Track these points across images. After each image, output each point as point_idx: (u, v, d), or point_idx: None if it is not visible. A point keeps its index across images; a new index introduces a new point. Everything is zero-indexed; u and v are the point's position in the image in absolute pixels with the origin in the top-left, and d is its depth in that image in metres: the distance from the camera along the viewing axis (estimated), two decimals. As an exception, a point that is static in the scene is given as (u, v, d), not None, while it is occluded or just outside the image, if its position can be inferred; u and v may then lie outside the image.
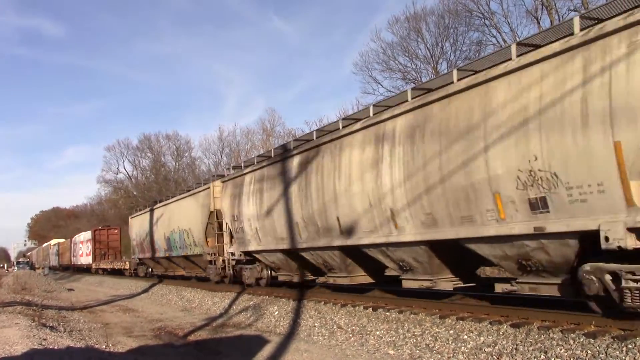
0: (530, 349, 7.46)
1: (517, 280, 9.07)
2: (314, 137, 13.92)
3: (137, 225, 32.81)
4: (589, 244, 7.51)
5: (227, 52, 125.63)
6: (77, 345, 9.41)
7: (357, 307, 12.03)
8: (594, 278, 7.62)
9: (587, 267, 7.71)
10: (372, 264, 12.87)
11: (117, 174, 73.59)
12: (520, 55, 8.36)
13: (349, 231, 12.24)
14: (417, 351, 8.60)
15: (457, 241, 9.62)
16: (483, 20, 34.23)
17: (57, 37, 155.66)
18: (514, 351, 7.54)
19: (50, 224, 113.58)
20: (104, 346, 10.26)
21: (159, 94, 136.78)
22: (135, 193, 70.54)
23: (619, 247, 7.03)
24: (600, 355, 6.73)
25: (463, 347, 8.21)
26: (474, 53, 35.18)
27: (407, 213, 10.43)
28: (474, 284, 11.02)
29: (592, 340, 7.15)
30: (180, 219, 24.23)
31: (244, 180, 17.47)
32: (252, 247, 17.22)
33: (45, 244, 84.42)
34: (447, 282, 10.82)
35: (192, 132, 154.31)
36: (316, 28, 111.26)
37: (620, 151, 6.85)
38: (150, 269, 32.82)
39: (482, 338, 8.31)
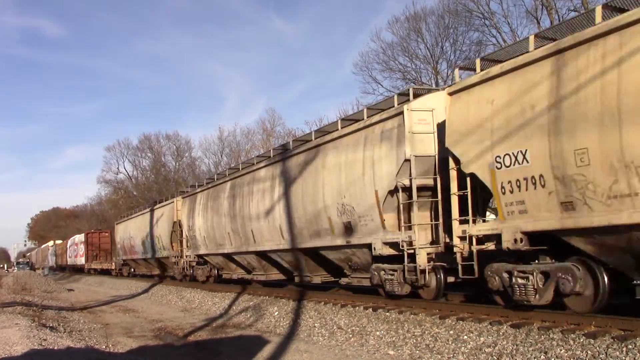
0: (531, 349, 7.46)
1: (351, 276, 13.36)
2: (240, 168, 18.91)
3: (122, 230, 36.80)
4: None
5: (227, 51, 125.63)
6: (77, 345, 9.41)
7: (357, 308, 12.03)
8: (376, 273, 11.91)
9: (374, 266, 12.01)
10: (278, 265, 17.11)
11: (117, 174, 73.49)
12: (344, 127, 12.89)
13: (258, 241, 16.74)
14: (417, 351, 8.59)
15: (314, 249, 13.93)
16: (483, 20, 34.26)
17: (57, 37, 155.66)
18: (514, 352, 7.53)
19: (50, 224, 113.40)
20: (104, 346, 10.25)
21: (159, 93, 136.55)
22: (135, 193, 70.48)
23: (379, 254, 11.43)
24: (601, 356, 6.72)
25: (463, 348, 8.21)
26: (473, 53, 35.19)
27: (286, 229, 14.78)
28: (338, 279, 14.71)
29: (592, 341, 7.15)
30: (154, 227, 28.14)
31: (197, 198, 22.06)
32: (201, 251, 21.70)
33: (43, 245, 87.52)
34: (319, 277, 15.32)
35: (192, 132, 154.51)
36: (316, 28, 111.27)
37: (377, 196, 11.33)
38: (133, 269, 36.02)
39: (482, 338, 8.31)
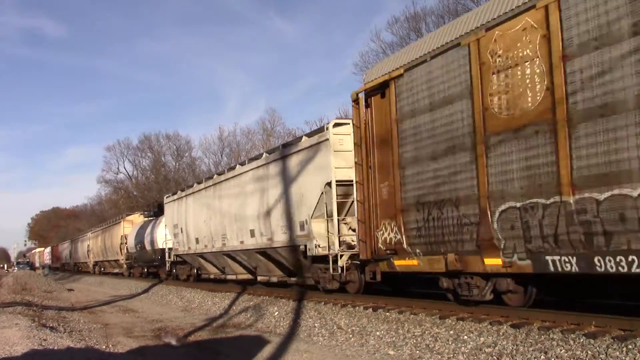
0: (531, 349, 7.46)
1: None
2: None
3: (60, 247, 43.25)
4: None
5: (228, 52, 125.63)
6: (77, 345, 9.41)
7: (357, 308, 12.02)
8: None
9: None
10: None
11: (117, 174, 73.73)
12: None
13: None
14: (417, 352, 8.59)
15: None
16: (483, 20, 34.22)
17: (59, 37, 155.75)
18: (514, 352, 7.53)
19: (50, 224, 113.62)
20: (104, 346, 10.25)
21: (159, 93, 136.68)
22: (135, 193, 70.53)
23: None
24: (601, 356, 6.72)
25: (463, 348, 8.21)
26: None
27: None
28: None
29: (592, 341, 7.15)
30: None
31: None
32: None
33: (34, 250, 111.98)
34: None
35: (192, 132, 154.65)
36: (317, 28, 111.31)
37: None
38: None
39: (482, 338, 8.31)
